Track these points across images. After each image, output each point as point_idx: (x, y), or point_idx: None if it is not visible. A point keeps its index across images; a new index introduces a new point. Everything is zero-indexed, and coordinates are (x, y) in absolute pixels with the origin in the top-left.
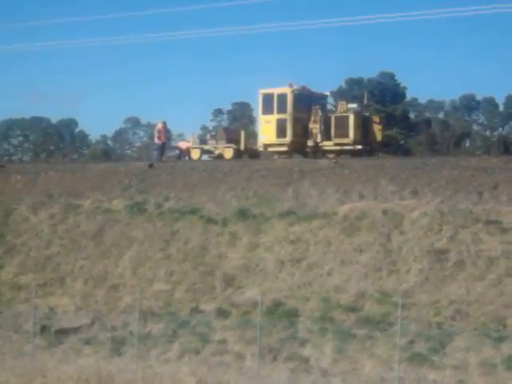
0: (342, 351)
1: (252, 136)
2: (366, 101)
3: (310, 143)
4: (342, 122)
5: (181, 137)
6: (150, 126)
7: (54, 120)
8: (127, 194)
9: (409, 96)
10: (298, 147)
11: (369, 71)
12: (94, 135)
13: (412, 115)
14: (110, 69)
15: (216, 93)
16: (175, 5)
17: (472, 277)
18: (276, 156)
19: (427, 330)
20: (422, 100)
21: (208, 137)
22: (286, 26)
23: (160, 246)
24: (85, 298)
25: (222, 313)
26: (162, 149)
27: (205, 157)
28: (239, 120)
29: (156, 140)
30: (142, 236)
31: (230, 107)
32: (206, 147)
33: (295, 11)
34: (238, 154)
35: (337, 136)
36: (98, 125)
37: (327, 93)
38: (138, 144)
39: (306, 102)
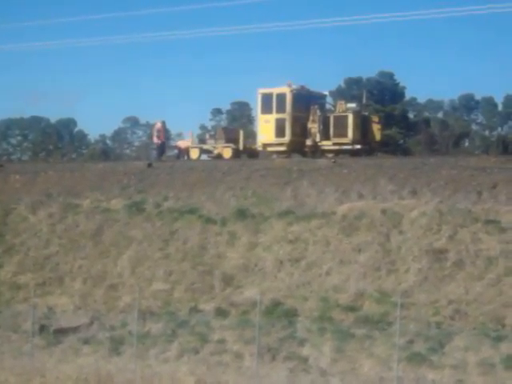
0: (341, 351)
1: (251, 136)
2: (364, 100)
3: (308, 143)
4: (341, 122)
5: (180, 136)
6: (149, 126)
7: (53, 120)
8: (126, 194)
9: (408, 96)
10: (297, 147)
11: (368, 71)
12: (92, 135)
13: (411, 115)
14: (109, 68)
15: (215, 92)
16: (174, 4)
17: (471, 276)
18: (275, 155)
19: (426, 330)
20: (421, 100)
21: (207, 136)
22: (286, 25)
23: (159, 245)
24: (84, 298)
25: (220, 312)
26: (161, 148)
27: (204, 156)
28: (238, 120)
29: (155, 139)
30: (140, 235)
31: (229, 107)
32: (205, 147)
33: (294, 11)
34: (236, 154)
35: (336, 136)
36: (96, 124)
37: (326, 92)
38: (136, 143)
39: (304, 101)
